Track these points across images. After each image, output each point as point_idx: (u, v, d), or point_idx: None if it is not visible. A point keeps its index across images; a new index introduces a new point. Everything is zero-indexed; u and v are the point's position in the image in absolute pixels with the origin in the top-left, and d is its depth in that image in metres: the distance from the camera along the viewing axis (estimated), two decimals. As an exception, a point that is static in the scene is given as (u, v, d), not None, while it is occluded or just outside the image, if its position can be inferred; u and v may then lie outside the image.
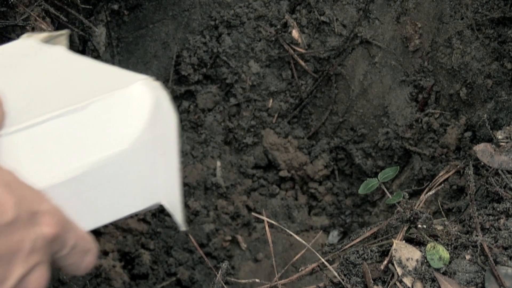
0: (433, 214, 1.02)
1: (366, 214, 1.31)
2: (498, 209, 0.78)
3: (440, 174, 1.01)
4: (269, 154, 1.34)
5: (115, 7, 1.29)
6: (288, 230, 0.88)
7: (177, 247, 1.26)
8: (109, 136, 0.50)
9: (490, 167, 0.84)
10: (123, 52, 1.34)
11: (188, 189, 1.31)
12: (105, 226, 1.25)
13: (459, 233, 0.75)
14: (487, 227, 0.76)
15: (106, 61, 1.32)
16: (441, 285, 0.70)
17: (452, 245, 0.74)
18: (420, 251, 0.73)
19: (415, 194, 1.11)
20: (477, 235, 0.74)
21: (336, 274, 0.74)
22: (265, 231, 1.18)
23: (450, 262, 0.72)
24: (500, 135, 0.88)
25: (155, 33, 1.34)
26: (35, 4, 0.98)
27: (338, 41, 1.26)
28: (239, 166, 1.35)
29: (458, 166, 1.00)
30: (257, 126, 1.35)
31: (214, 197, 1.31)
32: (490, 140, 0.95)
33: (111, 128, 0.51)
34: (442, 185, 0.99)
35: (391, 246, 0.75)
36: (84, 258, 0.50)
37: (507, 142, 0.86)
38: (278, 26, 1.28)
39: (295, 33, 1.27)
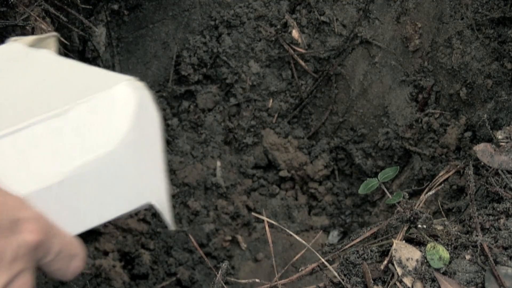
0: (433, 214, 1.02)
1: (366, 214, 1.31)
2: (498, 209, 0.78)
3: (440, 174, 1.01)
4: (269, 154, 1.34)
5: (115, 7, 1.29)
6: (288, 230, 0.88)
7: (177, 247, 1.26)
8: (94, 138, 0.50)
9: (490, 167, 0.84)
10: (123, 52, 1.34)
11: (188, 189, 1.31)
12: (105, 226, 1.25)
13: (459, 233, 0.75)
14: (487, 227, 0.76)
15: (106, 61, 1.32)
16: (441, 285, 0.70)
17: (452, 245, 0.74)
18: (420, 251, 0.73)
19: (415, 194, 1.11)
20: (477, 235, 0.74)
21: (336, 274, 0.74)
22: (265, 231, 1.18)
23: (450, 262, 0.72)
24: (500, 135, 0.88)
25: (155, 33, 1.34)
26: (35, 4, 0.98)
27: (338, 41, 1.26)
28: (239, 166, 1.35)
29: (458, 166, 1.00)
30: (257, 126, 1.35)
31: (214, 197, 1.31)
32: (490, 140, 0.95)
33: (95, 130, 0.50)
34: (442, 185, 0.99)
35: (391, 246, 0.75)
36: (71, 263, 0.50)
37: (507, 142, 0.86)
38: (278, 26, 1.28)
39: (295, 33, 1.27)
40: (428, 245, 0.73)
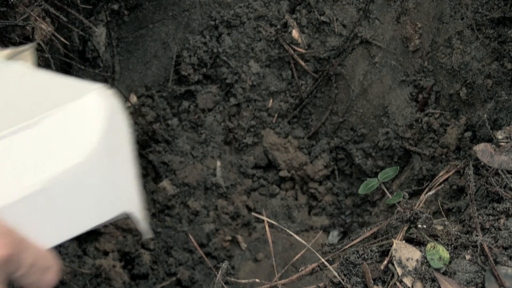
0: (433, 214, 1.02)
1: (366, 214, 1.31)
2: (498, 209, 0.78)
3: (440, 174, 1.01)
4: (269, 154, 1.34)
5: (115, 7, 1.29)
6: (288, 230, 0.88)
7: (177, 247, 1.26)
8: (65, 149, 0.50)
9: (490, 167, 0.84)
10: (123, 52, 1.34)
11: (188, 189, 1.31)
12: (105, 226, 1.25)
13: (459, 233, 0.75)
14: (487, 227, 0.76)
15: (106, 61, 1.32)
16: (441, 285, 0.70)
17: (452, 245, 0.74)
18: (420, 251, 0.73)
19: (415, 194, 1.11)
20: (477, 235, 0.74)
21: (336, 274, 0.74)
22: (265, 231, 1.18)
23: (450, 262, 0.72)
24: (500, 135, 0.88)
25: (155, 33, 1.34)
26: (35, 4, 0.98)
27: (338, 41, 1.26)
28: (239, 166, 1.35)
29: (458, 166, 1.00)
30: (257, 126, 1.35)
31: (214, 197, 1.31)
32: (490, 140, 0.95)
33: (66, 141, 0.50)
34: (442, 185, 0.99)
35: (391, 246, 0.75)
36: (44, 276, 0.50)
37: (507, 142, 0.86)
38: (278, 26, 1.28)
39: (295, 33, 1.27)
40: (428, 245, 0.73)
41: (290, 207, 1.33)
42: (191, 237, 1.19)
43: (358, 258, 0.75)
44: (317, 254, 0.79)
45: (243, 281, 0.87)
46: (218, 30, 1.31)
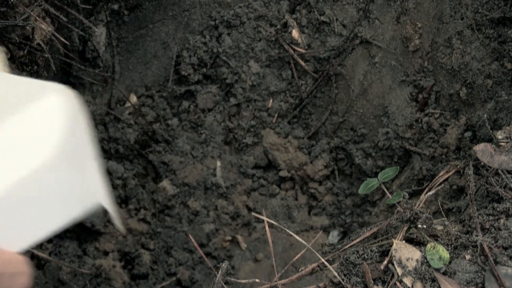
0: (433, 214, 1.02)
1: (366, 214, 1.31)
2: (498, 209, 0.78)
3: (440, 174, 1.01)
4: (269, 154, 1.34)
5: (115, 7, 1.29)
6: (288, 230, 0.88)
7: (177, 247, 1.26)
8: (28, 151, 0.49)
9: (490, 167, 0.84)
10: (123, 52, 1.34)
11: (188, 189, 1.31)
12: (105, 226, 1.25)
13: (459, 233, 0.75)
14: (487, 227, 0.76)
15: (106, 61, 1.32)
16: (441, 285, 0.70)
17: (452, 245, 0.74)
18: (420, 251, 0.73)
19: (415, 194, 1.11)
20: (477, 235, 0.74)
21: (336, 274, 0.74)
22: (265, 231, 1.18)
23: (450, 262, 0.72)
24: (500, 135, 0.88)
25: (155, 33, 1.34)
26: (35, 4, 0.98)
27: (338, 41, 1.26)
28: (239, 166, 1.35)
29: (458, 166, 1.00)
30: (257, 126, 1.35)
31: (214, 197, 1.31)
32: (490, 140, 0.95)
33: (29, 142, 0.50)
34: (442, 185, 0.99)
35: (391, 246, 0.75)
36: (15, 281, 0.49)
37: (507, 142, 0.86)
38: (278, 26, 1.28)
39: (295, 33, 1.27)
40: (428, 245, 0.73)
41: (290, 207, 1.33)
42: (191, 237, 1.19)
43: (358, 258, 0.75)
44: (317, 254, 0.79)
45: (243, 281, 0.87)
46: (218, 30, 1.31)
